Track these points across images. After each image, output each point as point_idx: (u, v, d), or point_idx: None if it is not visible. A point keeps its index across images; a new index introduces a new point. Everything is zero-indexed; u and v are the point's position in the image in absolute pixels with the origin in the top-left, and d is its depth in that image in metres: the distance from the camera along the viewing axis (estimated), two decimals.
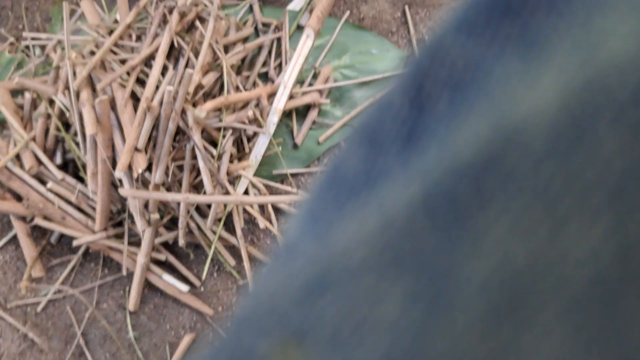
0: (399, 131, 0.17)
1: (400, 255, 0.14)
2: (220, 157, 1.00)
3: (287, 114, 1.14)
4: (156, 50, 1.01)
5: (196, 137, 0.96)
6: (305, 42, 1.11)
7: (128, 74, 1.00)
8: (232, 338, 0.16)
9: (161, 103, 0.95)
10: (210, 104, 0.97)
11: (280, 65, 1.17)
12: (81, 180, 1.04)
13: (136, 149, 0.94)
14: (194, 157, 0.99)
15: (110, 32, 1.07)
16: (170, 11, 1.05)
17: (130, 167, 0.94)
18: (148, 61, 1.03)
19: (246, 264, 1.03)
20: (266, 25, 1.20)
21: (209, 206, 1.02)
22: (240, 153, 1.07)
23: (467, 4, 0.17)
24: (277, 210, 1.09)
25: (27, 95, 1.04)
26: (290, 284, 0.16)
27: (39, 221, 1.03)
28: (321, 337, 0.14)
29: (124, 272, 1.04)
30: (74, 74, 0.98)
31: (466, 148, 0.15)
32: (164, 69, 1.01)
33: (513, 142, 0.14)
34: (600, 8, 0.15)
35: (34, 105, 1.06)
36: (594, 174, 0.13)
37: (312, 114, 1.14)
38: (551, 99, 0.14)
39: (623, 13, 0.14)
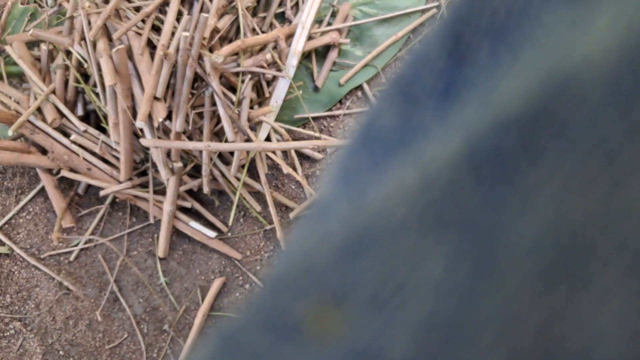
0: (436, 84, 0.16)
1: (444, 214, 0.14)
2: (240, 103, 0.99)
3: (306, 56, 1.12)
4: None
5: (214, 83, 0.94)
6: None
7: (143, 21, 0.98)
8: (268, 299, 0.15)
9: (178, 50, 0.93)
10: (227, 49, 0.95)
11: (297, 4, 1.13)
12: (103, 131, 1.05)
13: (155, 98, 0.93)
14: (214, 103, 0.98)
15: None
16: None
17: (150, 117, 0.94)
18: (162, 7, 1.01)
19: (272, 209, 1.03)
20: None
21: (231, 153, 1.02)
22: (261, 98, 1.06)
23: None
24: (300, 155, 1.09)
25: (44, 47, 1.03)
26: (327, 245, 0.15)
27: (65, 173, 1.04)
28: (361, 297, 0.14)
29: (152, 220, 1.06)
30: (89, 23, 0.97)
31: (513, 100, 0.14)
32: (179, 15, 0.99)
33: (566, 92, 0.13)
34: None
35: (51, 56, 1.05)
36: None
37: (332, 55, 1.11)
38: (608, 44, 0.13)
39: None
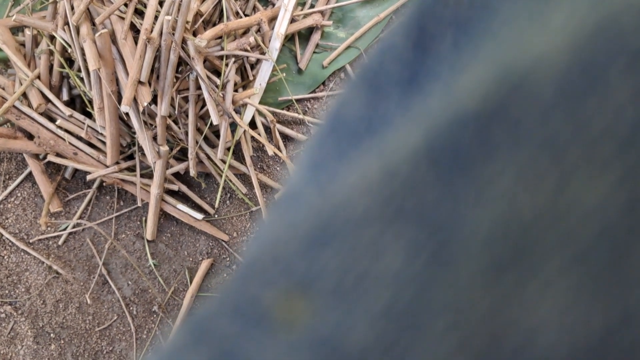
0: (401, 75, 0.17)
1: (403, 206, 0.14)
2: (224, 86, 1.00)
3: (289, 38, 1.12)
4: None
5: (198, 67, 0.95)
6: None
7: (126, 5, 0.98)
8: (237, 288, 0.16)
9: (161, 34, 0.94)
10: (210, 32, 0.95)
11: None
12: (89, 115, 1.05)
13: (140, 82, 0.94)
14: (199, 87, 0.99)
15: None
16: None
17: (135, 101, 0.94)
18: None
19: (257, 190, 1.05)
20: None
21: (217, 136, 1.03)
22: (245, 81, 1.06)
23: None
24: (285, 137, 1.10)
25: (28, 32, 1.03)
26: (294, 235, 0.16)
27: (51, 158, 1.05)
28: (325, 287, 0.15)
29: (139, 204, 1.07)
30: (72, 8, 0.97)
31: (471, 96, 0.14)
32: None
33: (521, 90, 0.13)
34: None
35: (36, 41, 1.06)
36: (604, 124, 0.13)
37: (315, 37, 1.12)
38: (561, 44, 0.13)
39: None
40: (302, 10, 1.11)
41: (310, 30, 1.12)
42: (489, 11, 0.15)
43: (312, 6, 1.13)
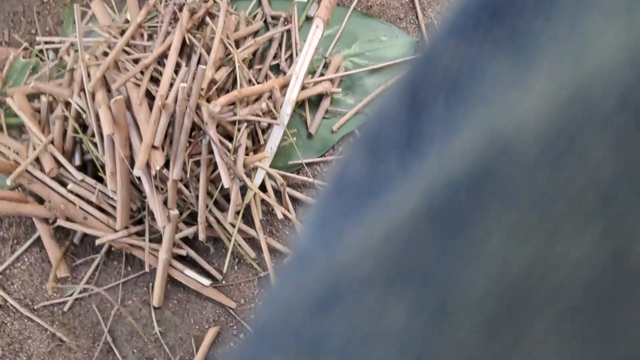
0: (398, 137, 0.18)
1: (405, 266, 0.15)
2: (236, 150, 1.01)
3: (300, 105, 1.15)
4: (168, 48, 1.02)
5: (211, 131, 0.97)
6: (315, 33, 1.12)
7: (142, 73, 1.01)
8: (248, 353, 0.17)
9: (176, 100, 0.96)
10: (223, 99, 0.98)
11: (291, 56, 1.17)
12: (100, 180, 1.06)
13: (153, 147, 0.95)
14: (211, 151, 1.00)
15: (122, 32, 1.08)
16: (181, 9, 1.06)
17: (148, 165, 0.95)
18: (161, 59, 1.04)
19: (266, 255, 1.04)
20: (275, 18, 1.20)
21: (227, 200, 1.03)
22: (256, 145, 1.08)
23: (457, 8, 0.18)
24: (294, 200, 1.10)
25: (44, 98, 1.05)
26: (302, 298, 0.16)
27: (61, 222, 1.05)
28: (332, 349, 0.15)
29: (147, 269, 1.06)
30: (89, 75, 1.00)
31: (462, 159, 0.15)
32: (177, 67, 1.02)
33: (507, 152, 0.14)
34: (585, 10, 0.15)
35: (51, 108, 1.08)
36: (584, 181, 0.14)
37: (325, 103, 1.15)
38: (542, 107, 0.14)
39: (607, 15, 0.14)
40: (312, 78, 1.14)
41: (320, 96, 1.15)
42: (476, 76, 0.16)
43: (322, 74, 1.16)
